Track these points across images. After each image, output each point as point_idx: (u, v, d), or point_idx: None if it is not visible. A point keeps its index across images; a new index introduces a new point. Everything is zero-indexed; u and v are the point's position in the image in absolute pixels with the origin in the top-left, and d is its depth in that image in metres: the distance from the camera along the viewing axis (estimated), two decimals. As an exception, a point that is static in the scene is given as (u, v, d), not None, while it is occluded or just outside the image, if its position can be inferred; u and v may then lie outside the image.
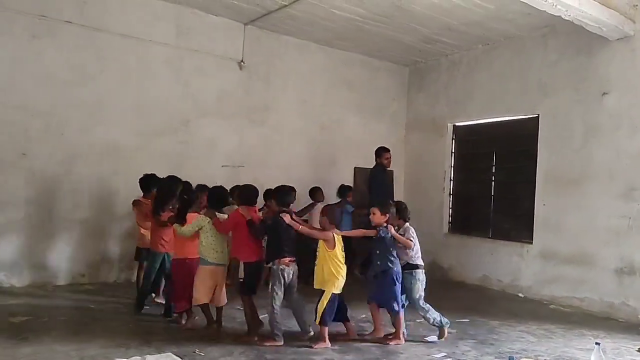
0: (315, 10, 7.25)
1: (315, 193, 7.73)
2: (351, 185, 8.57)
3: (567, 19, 6.04)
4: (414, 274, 4.94)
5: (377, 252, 4.93)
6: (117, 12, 7.01)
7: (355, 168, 9.30)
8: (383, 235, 4.86)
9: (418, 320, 5.67)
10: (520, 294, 7.39)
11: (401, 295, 4.92)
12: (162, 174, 6.69)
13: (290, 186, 5.17)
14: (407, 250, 4.94)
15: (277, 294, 4.65)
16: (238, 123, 8.04)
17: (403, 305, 4.97)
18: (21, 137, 6.39)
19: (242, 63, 8.02)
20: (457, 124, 9.07)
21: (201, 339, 4.69)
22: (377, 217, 4.92)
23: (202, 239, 5.00)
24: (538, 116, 7.54)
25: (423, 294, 4.98)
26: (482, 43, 8.30)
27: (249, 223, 4.87)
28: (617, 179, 6.53)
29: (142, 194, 6.01)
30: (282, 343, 4.62)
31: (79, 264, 6.77)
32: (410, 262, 4.95)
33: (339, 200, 7.98)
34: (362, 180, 9.23)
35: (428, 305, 4.98)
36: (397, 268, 4.88)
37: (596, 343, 3.78)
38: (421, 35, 8.05)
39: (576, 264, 6.86)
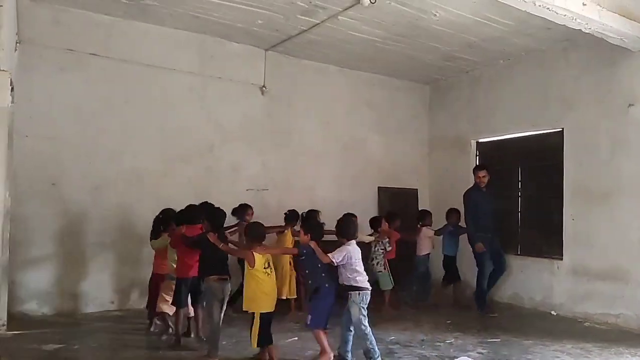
0: (334, 33, 7.33)
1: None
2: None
3: (587, 32, 6.00)
4: (350, 295, 4.71)
5: (307, 271, 4.97)
6: (141, 43, 7.20)
7: (378, 187, 9.29)
8: (304, 251, 4.83)
9: (448, 341, 5.62)
10: (552, 312, 7.22)
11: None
12: (187, 199, 6.79)
13: (220, 209, 5.39)
14: (342, 271, 4.73)
15: (212, 310, 4.81)
16: (261, 147, 8.13)
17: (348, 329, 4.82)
18: (51, 167, 6.56)
19: (264, 88, 8.14)
20: (480, 140, 9.01)
21: None
22: (301, 236, 4.96)
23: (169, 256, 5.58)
24: (562, 130, 7.45)
25: (363, 318, 4.67)
26: (502, 58, 8.27)
27: (182, 237, 5.15)
28: (648, 191, 6.39)
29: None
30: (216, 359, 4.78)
31: (108, 291, 6.86)
32: (346, 283, 4.74)
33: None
34: (386, 200, 9.22)
35: (369, 332, 4.67)
36: (330, 283, 4.79)
37: (633, 361, 3.68)
38: (441, 53, 8.07)
39: (610, 279, 6.69)
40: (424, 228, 7.83)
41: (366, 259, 7.11)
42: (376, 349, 4.64)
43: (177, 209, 6.02)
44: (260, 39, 7.68)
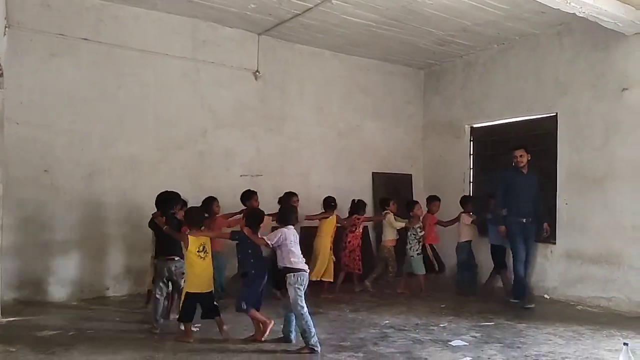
0: (328, 17, 7.28)
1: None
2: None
3: (581, 15, 5.98)
4: (286, 277, 4.79)
5: (238, 255, 5.11)
6: (134, 28, 7.12)
7: (373, 173, 9.30)
8: (236, 238, 5.04)
9: (442, 325, 5.66)
10: (546, 296, 7.29)
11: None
12: (182, 185, 6.83)
13: (172, 194, 5.66)
14: (278, 253, 4.85)
15: (155, 287, 5.24)
16: (255, 133, 8.10)
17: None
18: (43, 154, 6.52)
19: (258, 73, 8.09)
20: (474, 125, 9.02)
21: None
22: (241, 222, 5.28)
23: None
24: (556, 115, 7.45)
25: (298, 299, 4.71)
26: (497, 43, 8.25)
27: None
28: (641, 175, 6.42)
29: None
30: (158, 331, 5.17)
31: (104, 278, 6.86)
32: (281, 264, 4.84)
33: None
34: (381, 185, 9.23)
35: (305, 312, 4.68)
36: (257, 270, 5.01)
37: (624, 344, 3.72)
38: (435, 37, 8.03)
39: (602, 263, 6.74)
40: (463, 214, 7.74)
41: (404, 243, 7.58)
42: (312, 330, 4.68)
43: None
44: (253, 23, 7.62)
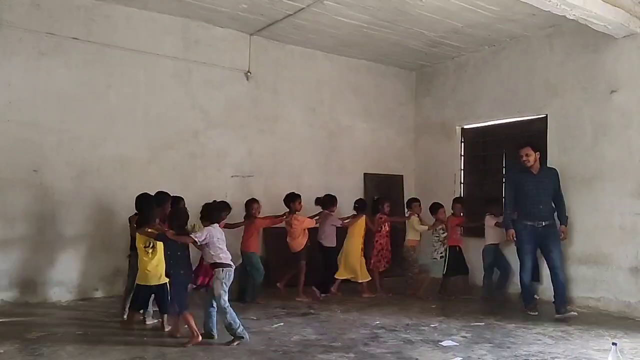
0: (320, 18, 7.28)
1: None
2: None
3: (571, 18, 6.02)
4: (214, 272, 4.96)
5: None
6: (124, 27, 7.09)
7: (364, 174, 9.30)
8: (160, 239, 5.08)
9: (432, 325, 5.67)
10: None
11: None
12: (173, 186, 6.82)
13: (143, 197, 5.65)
14: (206, 250, 4.98)
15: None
16: (247, 133, 8.09)
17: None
18: (32, 153, 6.46)
19: (249, 73, 8.07)
20: (465, 126, 9.05)
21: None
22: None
23: None
24: (546, 116, 7.50)
25: (223, 293, 4.85)
26: (488, 44, 8.29)
27: None
28: (630, 176, 6.46)
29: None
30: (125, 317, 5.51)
31: (92, 278, 6.81)
32: (209, 261, 5.00)
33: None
34: (372, 186, 9.24)
35: (227, 306, 4.85)
36: (177, 271, 5.08)
37: (613, 343, 3.74)
38: (427, 38, 8.05)
39: (591, 263, 6.78)
40: (487, 215, 7.50)
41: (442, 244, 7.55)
42: (237, 321, 4.83)
43: None
44: (245, 23, 7.61)
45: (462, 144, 9.10)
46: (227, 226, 6.53)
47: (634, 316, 6.21)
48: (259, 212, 7.00)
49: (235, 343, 4.80)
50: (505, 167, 8.27)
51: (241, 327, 4.85)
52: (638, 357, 4.69)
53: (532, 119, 7.80)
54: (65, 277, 6.63)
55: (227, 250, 5.09)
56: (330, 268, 7.32)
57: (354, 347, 4.85)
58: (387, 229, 7.76)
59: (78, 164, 6.74)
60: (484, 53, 8.52)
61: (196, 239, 4.91)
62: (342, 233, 7.45)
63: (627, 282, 6.42)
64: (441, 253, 7.45)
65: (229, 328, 4.84)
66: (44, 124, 6.53)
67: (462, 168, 9.06)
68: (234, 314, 4.88)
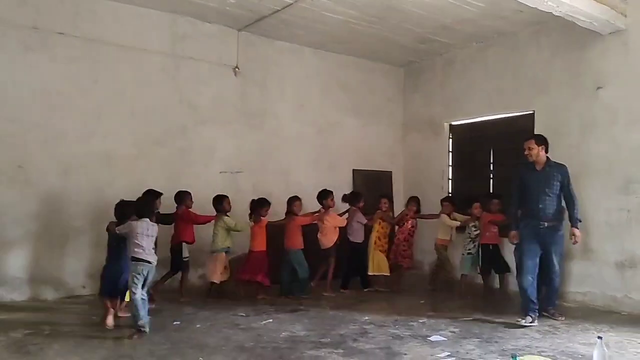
0: (308, 14, 7.26)
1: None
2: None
3: (558, 14, 6.06)
4: (132, 267, 5.10)
5: None
6: (111, 22, 7.02)
7: (353, 170, 9.31)
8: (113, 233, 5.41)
9: (421, 321, 5.70)
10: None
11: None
12: (160, 182, 6.83)
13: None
14: (128, 244, 5.16)
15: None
16: (235, 129, 8.05)
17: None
18: (17, 150, 6.39)
19: (237, 69, 8.03)
20: (453, 122, 9.08)
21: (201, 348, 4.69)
22: None
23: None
24: (534, 112, 7.55)
25: (133, 285, 4.97)
26: (476, 41, 8.32)
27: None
28: (616, 172, 6.54)
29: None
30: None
31: (79, 276, 6.75)
32: (130, 254, 5.13)
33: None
34: (361, 182, 9.25)
35: (136, 299, 4.95)
36: (119, 262, 5.40)
37: (598, 337, 3.80)
38: (415, 35, 8.06)
39: (578, 258, 6.84)
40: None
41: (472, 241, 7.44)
42: (141, 313, 4.95)
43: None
44: (233, 19, 7.56)
45: (450, 140, 9.13)
46: (270, 224, 6.98)
47: (620, 310, 6.29)
48: (301, 210, 7.17)
49: (135, 336, 4.87)
50: (492, 164, 8.32)
51: (143, 320, 4.94)
52: (623, 350, 4.75)
53: (519, 115, 7.84)
54: (52, 275, 6.57)
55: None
56: (357, 263, 7.49)
57: (343, 343, 4.86)
58: (410, 226, 7.73)
59: (64, 160, 6.67)
60: (471, 49, 8.55)
61: (117, 230, 5.24)
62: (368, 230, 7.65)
63: (613, 277, 6.49)
64: (469, 250, 7.32)
65: (133, 318, 5.01)
66: (29, 119, 6.45)
67: (450, 164, 9.10)
68: (141, 306, 4.96)
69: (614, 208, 6.52)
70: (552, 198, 5.79)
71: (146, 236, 5.11)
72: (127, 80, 7.15)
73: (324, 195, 7.33)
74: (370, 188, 8.97)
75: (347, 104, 9.30)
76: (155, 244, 5.30)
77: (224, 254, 6.79)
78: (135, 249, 5.06)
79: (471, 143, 8.79)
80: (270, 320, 5.67)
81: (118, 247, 5.41)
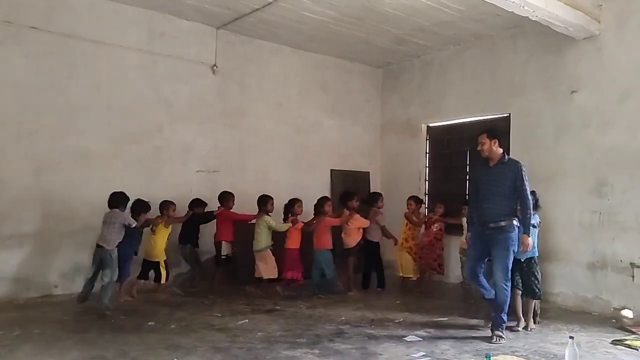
0: (288, 13, 7.24)
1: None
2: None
3: (534, 19, 6.14)
4: None
5: None
6: (87, 17, 6.91)
7: (331, 170, 9.32)
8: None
9: (397, 321, 5.73)
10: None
11: None
12: (137, 181, 6.81)
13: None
14: None
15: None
16: (212, 127, 7.99)
17: None
18: (-11, 147, 6.25)
19: (215, 67, 7.97)
20: (430, 124, 9.16)
21: (170, 347, 4.64)
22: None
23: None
24: (510, 115, 7.65)
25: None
26: (453, 43, 8.39)
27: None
28: (588, 175, 6.65)
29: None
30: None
31: (51, 275, 6.63)
32: None
33: None
34: (339, 182, 9.26)
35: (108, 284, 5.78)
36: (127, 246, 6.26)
37: (570, 337, 3.86)
38: (393, 36, 8.10)
39: (551, 259, 6.93)
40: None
41: None
42: (105, 301, 5.67)
43: (127, 191, 6.30)
44: (211, 16, 7.51)
45: (428, 141, 9.20)
46: (304, 225, 7.22)
47: (591, 310, 6.40)
48: (331, 211, 7.35)
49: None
50: (468, 165, 8.40)
51: (106, 303, 5.65)
52: (594, 350, 4.84)
53: (495, 118, 7.93)
54: (23, 274, 6.43)
55: None
56: (375, 262, 7.64)
57: (318, 343, 4.86)
58: (436, 229, 7.69)
59: (37, 157, 6.53)
60: (449, 52, 8.63)
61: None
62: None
63: (584, 278, 6.61)
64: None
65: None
66: (0, 115, 6.30)
67: (427, 165, 9.17)
68: (110, 290, 5.78)
69: (586, 210, 6.64)
70: (501, 198, 5.17)
71: (106, 224, 5.97)
72: (103, 76, 7.04)
73: (349, 197, 7.45)
74: (348, 188, 8.96)
75: (326, 104, 9.30)
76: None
77: (269, 251, 7.09)
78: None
79: (448, 145, 8.87)
80: (246, 320, 5.64)
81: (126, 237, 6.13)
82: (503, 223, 5.11)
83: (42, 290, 6.54)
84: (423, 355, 4.56)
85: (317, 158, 9.14)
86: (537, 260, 5.67)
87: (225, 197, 7.33)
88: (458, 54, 8.51)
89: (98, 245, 5.90)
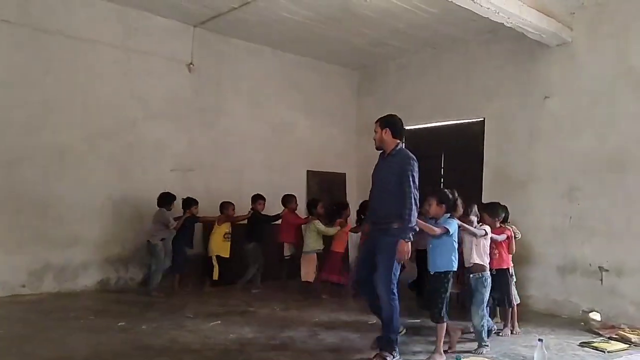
0: (265, 13, 7.21)
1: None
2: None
3: (509, 25, 6.22)
4: None
5: None
6: (61, 12, 6.77)
7: (307, 171, 9.30)
8: None
9: (370, 323, 5.73)
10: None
11: None
12: (111, 178, 6.73)
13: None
14: None
15: None
16: (188, 126, 7.90)
17: None
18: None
19: (192, 65, 7.89)
20: (406, 127, 9.14)
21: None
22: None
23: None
24: (484, 119, 7.74)
25: None
26: (429, 47, 8.45)
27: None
28: (560, 179, 6.77)
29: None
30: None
31: (20, 274, 6.45)
32: None
33: None
34: (315, 183, 9.25)
35: None
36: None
37: (539, 340, 3.91)
38: (370, 38, 8.12)
39: (523, 263, 7.01)
40: None
41: None
42: (151, 286, 6.48)
43: (100, 187, 6.52)
44: (188, 14, 7.43)
45: (403, 144, 9.20)
46: (351, 229, 7.28)
47: (560, 313, 6.51)
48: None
49: None
50: (443, 168, 8.48)
51: (152, 287, 6.45)
52: (563, 352, 4.91)
53: (470, 122, 8.02)
54: (-11, 273, 6.27)
55: None
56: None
57: (291, 344, 4.85)
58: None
59: (8, 152, 6.37)
60: (425, 55, 8.69)
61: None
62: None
63: (555, 281, 6.72)
64: None
65: None
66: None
67: (403, 168, 9.19)
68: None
69: (557, 214, 6.75)
70: (386, 195, 4.57)
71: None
72: (77, 71, 6.91)
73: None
74: (324, 189, 9.01)
75: (302, 105, 9.28)
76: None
77: (315, 255, 7.17)
78: None
79: (423, 147, 8.91)
80: (219, 322, 5.59)
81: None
82: (389, 225, 4.41)
83: (9, 289, 6.34)
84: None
85: (293, 159, 9.12)
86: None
87: (289, 200, 7.65)
88: (434, 58, 8.58)
89: (147, 240, 6.88)
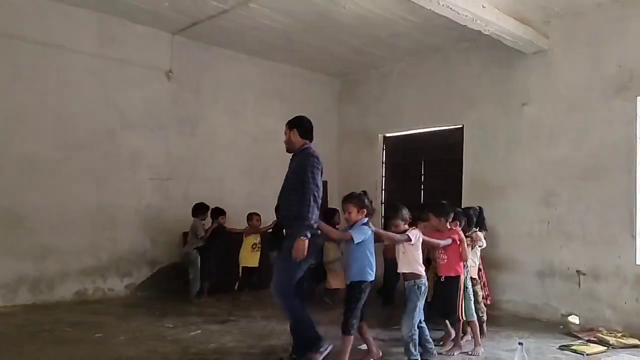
0: (245, 20, 7.19)
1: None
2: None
3: (487, 33, 6.30)
4: None
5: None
6: (33, 18, 6.65)
7: (288, 179, 9.24)
8: None
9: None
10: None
11: None
12: (86, 188, 6.60)
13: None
14: None
15: None
16: (166, 134, 7.82)
17: None
18: None
19: (170, 73, 7.82)
20: (387, 134, 9.25)
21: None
22: None
23: None
24: (463, 127, 7.81)
25: None
26: (410, 55, 8.51)
27: None
28: (538, 185, 6.85)
29: None
30: None
31: (-7, 286, 6.31)
32: None
33: None
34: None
35: None
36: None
37: (519, 343, 3.92)
38: (351, 46, 8.15)
39: (503, 268, 7.09)
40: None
41: None
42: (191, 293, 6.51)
43: (76, 197, 6.43)
44: (166, 22, 7.38)
45: (384, 151, 9.29)
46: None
47: (540, 317, 6.57)
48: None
49: None
50: (423, 175, 8.53)
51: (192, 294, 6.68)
52: (542, 355, 4.94)
53: (449, 129, 8.09)
54: (-39, 285, 6.11)
55: None
56: None
57: (272, 354, 4.79)
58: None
59: (-22, 163, 6.24)
60: (405, 63, 8.76)
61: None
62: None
63: (534, 286, 6.77)
64: None
65: None
66: (-61, 119, 6.01)
67: (384, 175, 9.25)
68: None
69: (535, 220, 6.82)
70: (287, 195, 4.52)
71: None
72: (50, 79, 6.79)
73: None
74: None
75: (283, 113, 9.08)
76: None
77: (337, 263, 7.17)
78: None
79: (404, 155, 8.99)
80: (199, 331, 5.51)
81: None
82: (292, 228, 4.31)
83: (-18, 302, 6.21)
84: (376, 364, 4.54)
85: (274, 167, 9.01)
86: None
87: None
88: (414, 66, 8.65)
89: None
